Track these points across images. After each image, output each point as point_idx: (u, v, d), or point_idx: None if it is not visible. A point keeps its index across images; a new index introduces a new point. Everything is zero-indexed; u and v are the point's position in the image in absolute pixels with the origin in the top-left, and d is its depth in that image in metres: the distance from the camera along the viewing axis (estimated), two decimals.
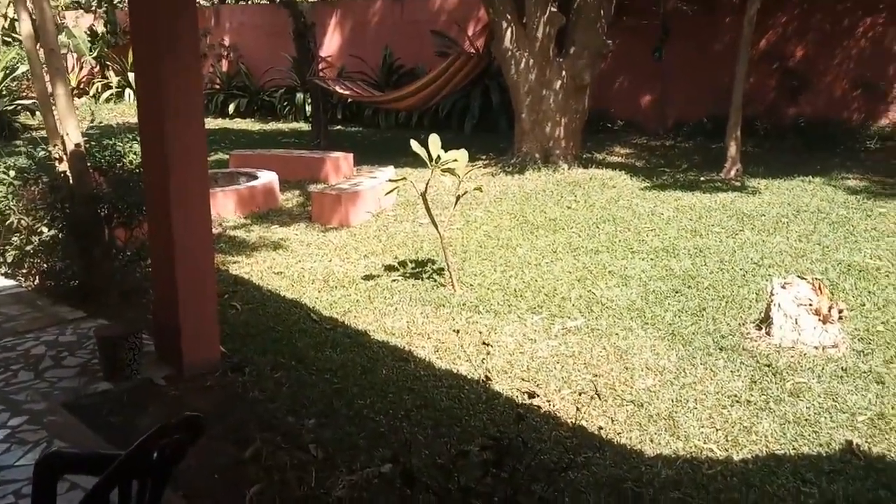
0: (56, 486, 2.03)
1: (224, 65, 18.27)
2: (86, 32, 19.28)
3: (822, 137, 11.58)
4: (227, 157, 10.89)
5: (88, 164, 5.77)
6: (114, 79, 19.13)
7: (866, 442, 3.74)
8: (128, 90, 18.40)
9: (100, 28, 19.69)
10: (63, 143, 5.71)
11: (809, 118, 12.17)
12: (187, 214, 4.39)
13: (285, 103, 16.56)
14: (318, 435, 3.85)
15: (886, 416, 3.96)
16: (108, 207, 5.54)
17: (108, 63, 19.40)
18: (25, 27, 6.35)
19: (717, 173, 9.74)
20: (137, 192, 5.44)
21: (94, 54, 19.24)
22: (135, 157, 5.90)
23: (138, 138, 5.81)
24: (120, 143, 5.98)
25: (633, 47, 13.00)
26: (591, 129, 12.37)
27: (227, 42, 18.30)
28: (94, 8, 20.18)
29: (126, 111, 17.05)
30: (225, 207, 8.36)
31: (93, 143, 6.39)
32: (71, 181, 5.62)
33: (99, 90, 19.10)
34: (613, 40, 10.93)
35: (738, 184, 9.24)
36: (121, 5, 19.28)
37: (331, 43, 16.69)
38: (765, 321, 4.90)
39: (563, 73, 10.47)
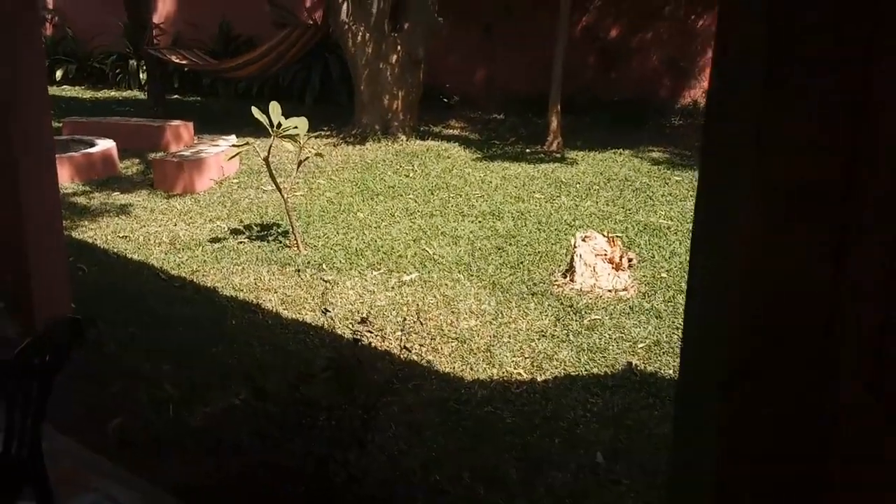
0: None
1: (48, 29, 17.42)
2: None
3: (634, 113, 12.72)
4: (60, 124, 10.63)
5: None
6: None
7: (643, 363, 4.56)
8: None
9: None
10: None
11: (623, 95, 13.33)
12: (33, 168, 4.49)
13: (118, 70, 16.05)
14: (174, 378, 4.21)
15: (661, 342, 4.81)
16: None
17: None
18: None
19: (541, 146, 10.60)
20: None
21: None
22: None
23: None
24: None
25: (465, 25, 13.70)
26: (428, 103, 12.95)
27: (50, 5, 17.44)
28: None
29: None
30: (61, 175, 8.19)
31: None
32: None
33: None
34: (445, 17, 11.55)
35: (558, 155, 10.13)
36: None
37: (164, 8, 16.33)
38: (570, 270, 5.68)
39: (399, 47, 10.98)
